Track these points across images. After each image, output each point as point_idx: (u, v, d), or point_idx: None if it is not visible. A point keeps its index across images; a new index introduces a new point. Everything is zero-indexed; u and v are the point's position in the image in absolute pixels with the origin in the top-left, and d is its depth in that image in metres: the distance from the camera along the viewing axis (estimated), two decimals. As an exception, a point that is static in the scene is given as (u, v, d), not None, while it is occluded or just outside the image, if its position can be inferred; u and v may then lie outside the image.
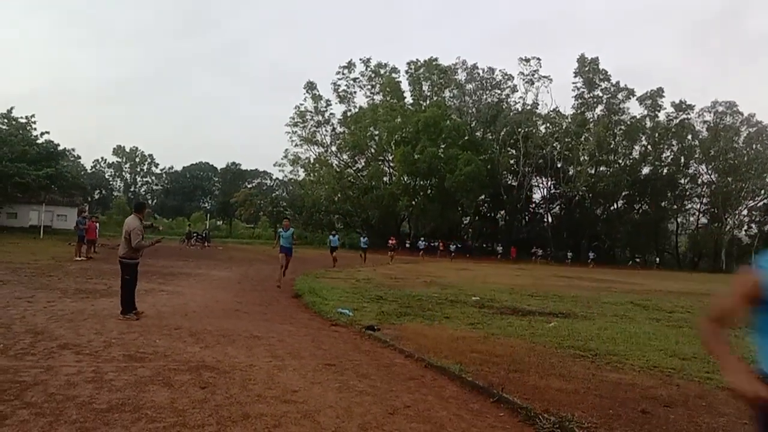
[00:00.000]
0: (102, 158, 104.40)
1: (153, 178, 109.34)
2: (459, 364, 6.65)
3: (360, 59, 68.35)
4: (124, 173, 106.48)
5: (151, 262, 22.16)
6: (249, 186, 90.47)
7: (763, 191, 68.71)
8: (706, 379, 6.65)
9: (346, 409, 4.87)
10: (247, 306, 11.63)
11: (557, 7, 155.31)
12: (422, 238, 54.41)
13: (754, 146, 67.58)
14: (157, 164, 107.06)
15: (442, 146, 60.78)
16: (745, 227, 73.03)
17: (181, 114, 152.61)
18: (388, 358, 7.28)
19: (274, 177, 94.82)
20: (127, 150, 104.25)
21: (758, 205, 70.52)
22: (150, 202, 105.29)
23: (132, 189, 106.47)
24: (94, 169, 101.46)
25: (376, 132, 65.42)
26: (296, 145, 68.20)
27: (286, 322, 9.79)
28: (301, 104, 68.09)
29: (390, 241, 40.08)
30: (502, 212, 72.54)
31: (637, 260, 63.44)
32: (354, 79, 68.51)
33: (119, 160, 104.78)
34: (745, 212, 71.56)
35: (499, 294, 16.70)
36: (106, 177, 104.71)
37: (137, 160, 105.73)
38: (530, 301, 15.31)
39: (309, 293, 13.57)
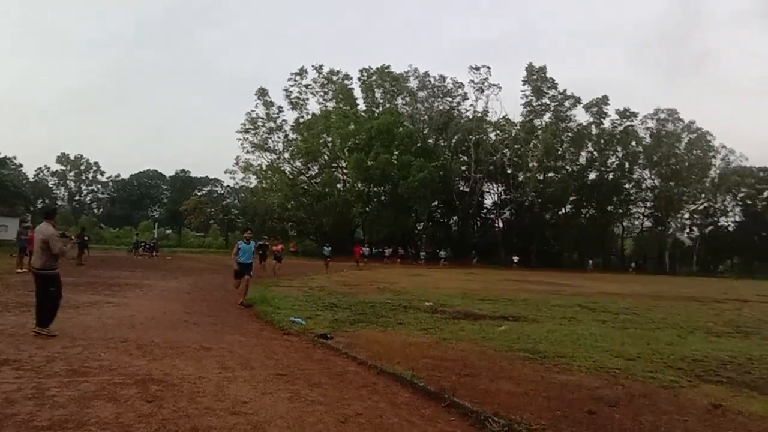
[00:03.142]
0: (45, 166, 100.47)
1: (99, 186, 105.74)
2: (411, 370, 6.69)
3: (312, 66, 68.24)
4: (68, 182, 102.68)
5: (96, 273, 21.55)
6: (199, 194, 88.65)
7: (703, 195, 71.67)
8: (649, 378, 6.90)
9: (297, 419, 4.84)
10: (197, 317, 11.40)
11: (509, 26, 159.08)
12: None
13: (694, 152, 70.49)
14: (103, 172, 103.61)
15: (396, 153, 61.06)
16: (687, 230, 76.14)
17: (129, 121, 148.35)
18: (341, 366, 7.27)
19: (225, 184, 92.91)
20: (72, 158, 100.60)
21: (699, 208, 73.50)
22: (96, 211, 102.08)
23: (77, 198, 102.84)
24: (36, 178, 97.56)
25: (329, 139, 65.20)
26: (248, 151, 67.30)
27: (237, 333, 9.64)
28: (253, 110, 67.26)
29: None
30: (455, 218, 73.38)
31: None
32: (306, 86, 68.18)
33: (63, 168, 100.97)
34: (686, 215, 74.55)
35: (452, 299, 16.87)
36: (50, 186, 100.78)
37: (82, 168, 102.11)
38: (482, 305, 15.52)
39: (261, 302, 13.40)
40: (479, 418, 5.01)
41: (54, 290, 8.29)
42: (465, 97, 70.00)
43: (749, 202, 72.69)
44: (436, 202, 67.88)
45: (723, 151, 71.79)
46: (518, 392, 5.98)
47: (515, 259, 57.19)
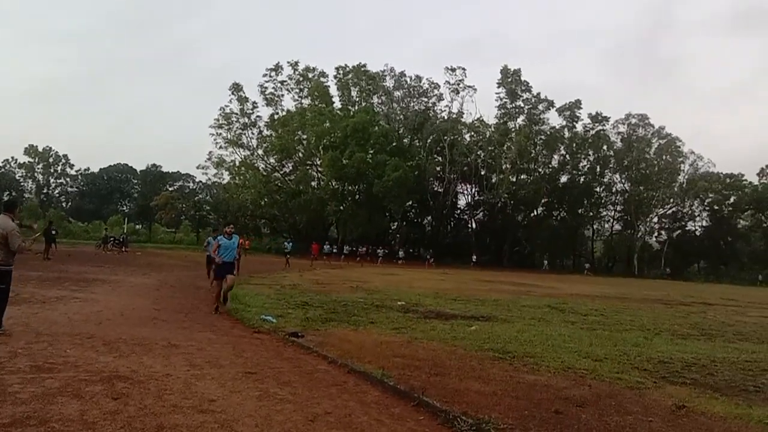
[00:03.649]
0: (12, 158, 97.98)
1: (68, 179, 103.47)
2: (382, 369, 6.70)
3: (288, 62, 67.69)
4: (36, 174, 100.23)
5: (63, 268, 21.15)
6: (170, 189, 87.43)
7: (671, 200, 73.14)
8: (616, 379, 7.00)
9: (265, 418, 4.80)
10: (166, 313, 11.25)
11: (485, 28, 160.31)
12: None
13: (663, 157, 71.89)
14: (72, 165, 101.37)
15: (371, 152, 60.96)
16: (656, 234, 77.67)
17: (100, 114, 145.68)
18: (311, 364, 7.24)
19: (197, 180, 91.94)
20: (40, 150, 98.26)
21: (667, 212, 75.17)
22: (64, 204, 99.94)
23: (45, 191, 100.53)
24: (3, 170, 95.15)
25: (304, 136, 64.86)
26: (221, 147, 66.63)
27: (207, 330, 9.53)
28: (227, 106, 66.56)
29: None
30: (429, 218, 73.71)
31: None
32: (281, 82, 67.72)
33: (31, 160, 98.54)
34: (655, 219, 76.11)
35: (424, 298, 16.94)
36: (17, 178, 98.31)
37: (51, 160, 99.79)
38: (453, 305, 15.62)
39: (231, 300, 13.27)
40: (448, 417, 5.03)
41: (4, 287, 7.91)
42: (440, 98, 70.58)
43: (716, 207, 74.38)
44: (410, 202, 68.15)
45: (691, 157, 73.42)
46: (487, 392, 6.03)
47: (474, 258, 57.31)
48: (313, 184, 66.37)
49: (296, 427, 4.63)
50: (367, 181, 59.93)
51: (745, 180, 74.00)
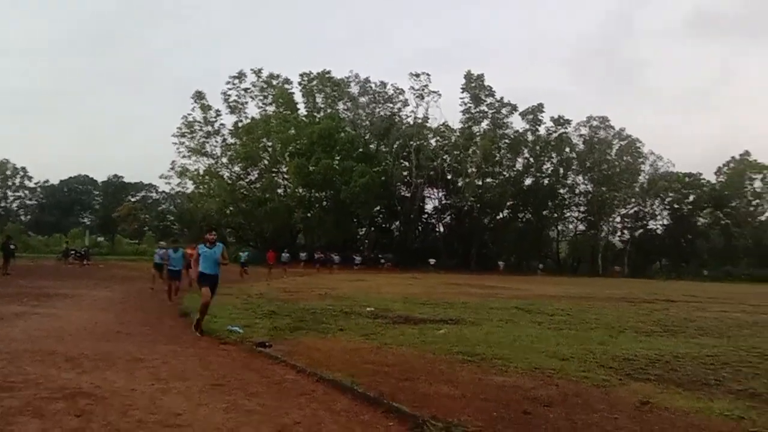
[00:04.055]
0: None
1: (26, 192, 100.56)
2: (351, 376, 6.65)
3: (251, 69, 67.07)
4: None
5: (23, 283, 20.57)
6: (133, 200, 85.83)
7: (633, 199, 74.88)
8: (582, 377, 7.09)
9: (232, 430, 4.73)
10: (130, 327, 11.00)
11: (449, 35, 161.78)
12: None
13: (624, 158, 73.60)
14: (31, 177, 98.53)
15: (337, 158, 60.88)
16: (618, 233, 79.26)
17: (59, 125, 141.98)
18: (279, 374, 7.15)
19: (160, 190, 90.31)
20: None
21: (629, 212, 76.88)
22: (23, 218, 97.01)
23: (2, 204, 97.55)
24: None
25: (269, 143, 64.39)
26: (184, 156, 65.39)
27: (172, 343, 9.35)
28: (189, 114, 65.44)
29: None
30: (397, 223, 73.92)
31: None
32: (245, 90, 67.00)
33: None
34: (618, 219, 77.72)
35: (393, 303, 16.94)
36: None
37: (8, 173, 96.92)
38: (422, 309, 15.65)
39: (196, 312, 13.03)
40: (417, 422, 5.03)
41: None
42: (406, 104, 70.72)
43: (676, 206, 76.47)
44: (378, 208, 68.13)
45: (651, 157, 75.52)
46: (456, 395, 6.05)
47: (431, 261, 57.41)
48: (279, 191, 65.84)
49: (264, 439, 4.58)
50: (334, 187, 59.81)
51: (704, 179, 76.51)
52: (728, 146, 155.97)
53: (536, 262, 71.06)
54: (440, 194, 72.61)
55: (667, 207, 77.45)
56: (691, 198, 76.36)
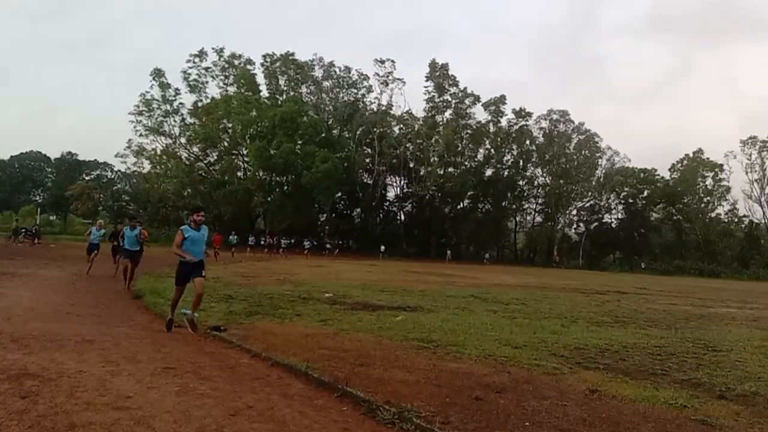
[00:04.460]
0: None
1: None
2: (306, 361, 6.64)
3: (213, 48, 65.84)
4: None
5: (-32, 261, 19.83)
6: (87, 178, 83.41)
7: (589, 193, 76.54)
8: (534, 365, 7.22)
9: (184, 413, 4.66)
10: (81, 308, 10.72)
11: (415, 21, 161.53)
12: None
13: (582, 152, 75.09)
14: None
15: (299, 142, 60.39)
16: (575, 226, 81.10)
17: (10, 98, 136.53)
18: (234, 358, 7.09)
19: (115, 169, 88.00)
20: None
21: (585, 205, 78.64)
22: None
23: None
24: None
25: (230, 125, 63.34)
26: (141, 135, 63.69)
27: (124, 325, 9.17)
28: (148, 92, 63.72)
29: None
30: (358, 210, 73.91)
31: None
32: (206, 69, 65.68)
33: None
34: (574, 212, 79.50)
35: (351, 290, 16.94)
36: None
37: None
38: (381, 296, 15.70)
39: (151, 294, 12.80)
40: (371, 407, 5.06)
41: None
42: (370, 90, 70.65)
43: (631, 200, 78.60)
44: (339, 194, 68.06)
45: (608, 152, 77.08)
46: (410, 380, 6.09)
47: (382, 248, 57.26)
48: (239, 174, 64.98)
49: (216, 422, 4.52)
50: (296, 172, 59.37)
51: (658, 175, 78.66)
52: (682, 144, 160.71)
53: (490, 251, 71.95)
54: (402, 182, 72.92)
55: (622, 201, 79.48)
56: (645, 193, 78.54)
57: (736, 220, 76.56)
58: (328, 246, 58.90)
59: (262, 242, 49.96)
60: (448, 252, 62.80)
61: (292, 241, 54.27)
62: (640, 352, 8.65)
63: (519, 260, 71.71)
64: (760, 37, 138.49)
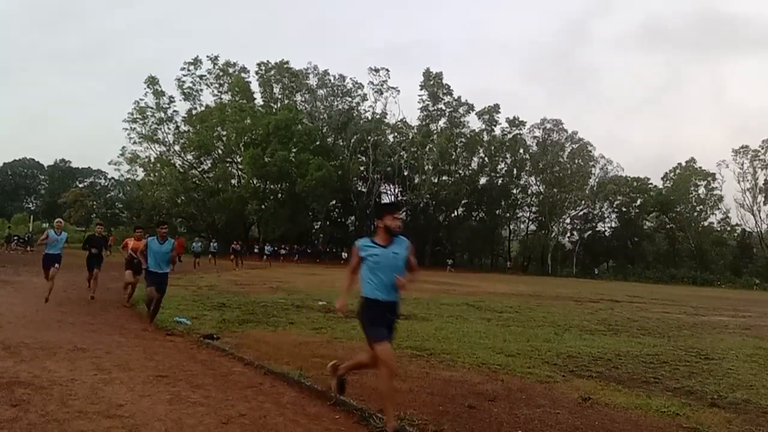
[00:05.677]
0: None
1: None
2: (299, 369, 6.64)
3: (207, 56, 65.87)
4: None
5: (-41, 269, 19.71)
6: (80, 186, 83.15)
7: (583, 202, 76.68)
8: (527, 373, 7.24)
9: (176, 422, 4.64)
10: (73, 316, 10.66)
11: (411, 32, 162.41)
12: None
13: (576, 161, 75.38)
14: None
15: (294, 150, 60.30)
16: (568, 234, 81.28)
17: (4, 106, 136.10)
18: (226, 367, 7.06)
19: (109, 176, 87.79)
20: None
21: (579, 214, 78.79)
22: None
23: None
24: None
25: (224, 132, 63.11)
26: (135, 142, 63.32)
27: (116, 333, 9.11)
28: (142, 99, 63.53)
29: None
30: (353, 218, 73.84)
31: (450, 262, 66.14)
32: (200, 77, 65.64)
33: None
34: (567, 221, 79.63)
35: (345, 298, 16.87)
36: None
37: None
38: (374, 304, 15.63)
39: (143, 302, 12.75)
40: (364, 415, 5.06)
41: None
42: (364, 98, 70.85)
43: (624, 209, 78.93)
44: (333, 202, 68.03)
45: (602, 161, 77.47)
46: (404, 389, 6.09)
47: (344, 255, 54.74)
48: (233, 182, 64.87)
49: (208, 430, 4.51)
50: (290, 180, 59.28)
51: (651, 184, 79.10)
52: (674, 153, 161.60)
53: (488, 259, 71.74)
54: (396, 190, 72.85)
55: (615, 210, 79.78)
56: (639, 202, 78.84)
57: (729, 228, 77.01)
58: (283, 251, 55.08)
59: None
60: (449, 262, 62.20)
61: (276, 248, 53.50)
62: (633, 361, 8.68)
63: (513, 269, 71.59)
64: (748, 50, 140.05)
